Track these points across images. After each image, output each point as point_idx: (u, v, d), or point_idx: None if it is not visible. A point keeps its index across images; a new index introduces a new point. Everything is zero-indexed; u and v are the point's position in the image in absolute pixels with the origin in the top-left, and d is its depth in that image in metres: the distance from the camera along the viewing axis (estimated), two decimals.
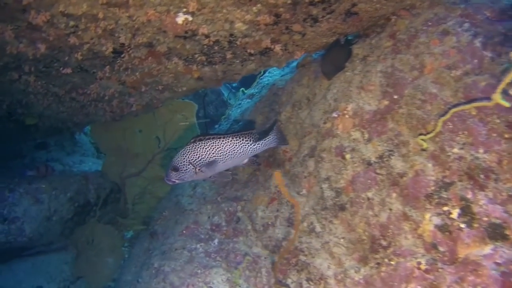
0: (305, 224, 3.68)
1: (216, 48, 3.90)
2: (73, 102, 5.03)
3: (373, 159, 3.37)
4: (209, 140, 3.31)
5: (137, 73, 4.26)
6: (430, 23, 3.52)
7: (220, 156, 3.33)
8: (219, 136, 3.34)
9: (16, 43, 3.65)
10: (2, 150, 6.51)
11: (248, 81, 5.94)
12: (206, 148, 3.32)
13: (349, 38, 4.09)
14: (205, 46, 3.86)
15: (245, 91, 6.06)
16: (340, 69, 3.98)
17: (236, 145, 3.37)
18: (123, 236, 6.08)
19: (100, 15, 3.31)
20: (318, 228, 3.58)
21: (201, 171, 3.36)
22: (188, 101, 5.97)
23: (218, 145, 3.34)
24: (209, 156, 3.31)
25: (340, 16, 3.70)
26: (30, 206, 5.38)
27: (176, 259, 4.06)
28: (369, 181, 3.33)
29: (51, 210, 5.53)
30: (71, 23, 3.44)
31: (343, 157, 3.53)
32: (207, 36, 3.70)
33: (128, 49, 3.85)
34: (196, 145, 3.33)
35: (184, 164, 3.33)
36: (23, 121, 5.54)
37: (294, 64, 5.34)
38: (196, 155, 3.33)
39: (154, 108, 5.17)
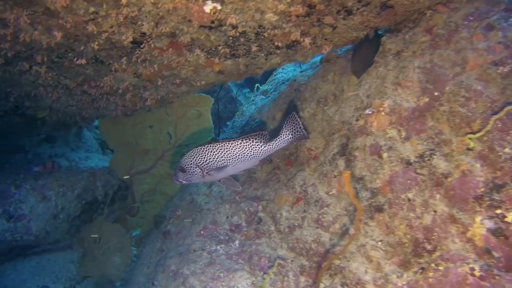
0: (336, 225, 3.43)
1: (242, 40, 3.64)
2: (84, 95, 4.73)
3: (412, 158, 3.13)
4: (217, 144, 3.17)
5: (155, 65, 3.98)
6: (471, 18, 3.28)
7: (229, 160, 3.19)
8: (228, 140, 3.18)
9: (31, 30, 3.35)
10: (6, 145, 6.18)
11: (252, 79, 5.65)
12: (214, 152, 3.19)
13: (379, 32, 3.84)
14: (230, 38, 3.59)
15: (260, 87, 5.78)
16: (369, 66, 3.73)
17: (246, 148, 3.20)
18: (131, 235, 5.77)
19: (124, 1, 3.03)
20: (352, 230, 3.33)
21: (209, 174, 3.27)
22: (203, 95, 5.63)
23: (227, 149, 3.18)
24: (218, 160, 3.17)
25: (375, 9, 3.45)
26: (37, 203, 5.08)
27: (195, 261, 3.79)
28: (409, 181, 3.08)
29: (58, 208, 5.22)
30: (91, 9, 3.16)
31: (380, 156, 3.28)
32: (234, 27, 3.43)
33: (149, 39, 3.57)
34: (204, 149, 3.21)
35: (191, 167, 3.24)
36: (30, 114, 5.21)
37: (314, 59, 5.08)
38: (204, 158, 3.22)
39: (168, 103, 4.88)
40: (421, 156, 3.09)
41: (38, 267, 5.40)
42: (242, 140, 3.19)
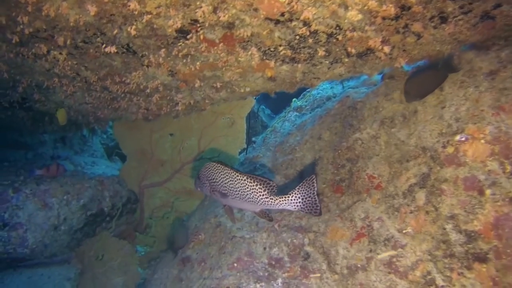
0: (417, 273, 2.60)
1: (310, 41, 2.88)
2: (104, 93, 3.88)
3: None
4: (226, 169, 2.87)
5: (197, 63, 3.17)
6: None
7: (230, 191, 2.84)
8: (235, 170, 2.82)
9: (59, 1, 2.52)
10: (5, 141, 5.26)
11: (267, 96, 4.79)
12: (220, 176, 2.90)
13: (447, 60, 3.13)
14: (297, 37, 2.83)
15: (297, 101, 4.97)
16: (427, 93, 3.14)
17: (247, 188, 2.75)
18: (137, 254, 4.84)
19: None
20: (439, 281, 2.54)
21: (214, 194, 2.99)
22: (241, 100, 4.55)
23: (230, 178, 2.84)
24: (221, 185, 2.89)
25: (474, 18, 2.74)
26: (36, 211, 4.17)
27: None
28: None
29: (60, 218, 4.32)
30: None
31: (480, 193, 2.49)
32: (306, 24, 2.68)
33: (200, 29, 2.79)
34: (215, 167, 2.94)
35: (203, 178, 3.04)
36: (38, 109, 4.33)
37: (364, 77, 4.32)
38: (213, 176, 2.96)
39: (200, 110, 4.04)
40: None
41: (29, 283, 4.44)
42: (247, 178, 2.76)
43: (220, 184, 2.88)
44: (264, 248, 3.35)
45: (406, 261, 2.68)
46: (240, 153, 4.74)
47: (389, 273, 2.72)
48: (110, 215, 4.86)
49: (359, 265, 2.87)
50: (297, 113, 4.86)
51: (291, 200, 2.65)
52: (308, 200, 2.62)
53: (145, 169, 5.06)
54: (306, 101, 4.98)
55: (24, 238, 4.05)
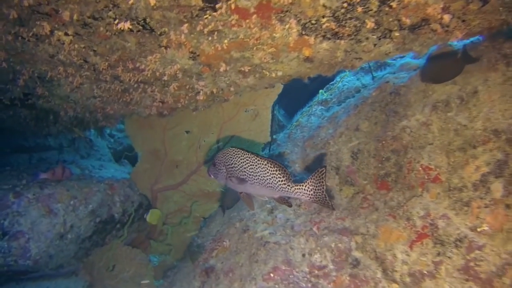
0: (506, 280, 2.08)
1: (358, 9, 2.41)
2: (114, 83, 3.38)
3: None
4: (246, 153, 2.75)
5: (225, 41, 2.68)
6: None
7: (250, 174, 2.72)
8: (256, 155, 2.72)
9: None
10: (8, 145, 4.74)
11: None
12: (240, 160, 2.78)
13: (465, 51, 2.74)
14: (344, 5, 2.33)
15: (323, 94, 4.45)
16: (442, 82, 2.96)
17: (268, 173, 2.65)
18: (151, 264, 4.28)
19: None
20: None
21: (231, 180, 2.85)
22: (266, 89, 3.98)
23: (251, 162, 2.72)
24: (240, 169, 2.77)
25: None
26: (40, 218, 3.65)
27: None
28: None
29: (67, 226, 3.78)
30: None
31: None
32: None
33: None
34: (235, 152, 2.82)
35: (220, 163, 2.90)
36: (41, 107, 3.81)
37: (402, 61, 3.83)
38: (231, 161, 2.83)
39: (223, 101, 3.52)
40: None
41: None
42: (268, 162, 2.65)
43: (239, 169, 2.77)
44: (303, 255, 2.83)
45: (488, 266, 2.16)
46: (263, 149, 4.20)
47: (467, 280, 2.19)
48: (121, 222, 4.32)
49: (425, 272, 2.35)
50: (323, 107, 4.35)
51: (305, 190, 2.54)
52: (319, 193, 2.51)
53: (158, 171, 4.53)
54: (331, 94, 4.47)
55: (26, 248, 3.51)
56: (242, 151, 2.76)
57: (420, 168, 2.73)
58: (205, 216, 4.46)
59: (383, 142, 3.09)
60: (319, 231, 2.95)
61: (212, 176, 3.00)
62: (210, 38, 2.66)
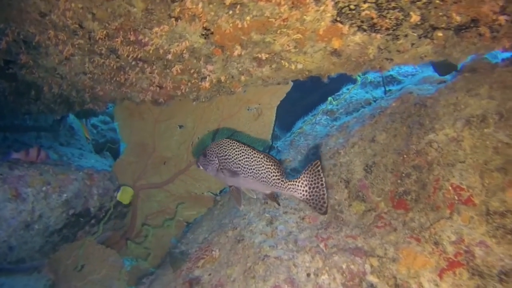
0: None
1: None
2: (110, 58, 2.94)
3: None
4: (242, 145, 2.62)
5: (247, 18, 2.28)
6: None
7: (244, 167, 2.59)
8: (252, 148, 2.59)
9: None
10: None
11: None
12: (235, 151, 2.64)
13: None
14: None
15: (333, 101, 4.07)
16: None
17: (263, 166, 2.52)
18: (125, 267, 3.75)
19: None
20: None
21: (222, 172, 2.72)
22: (274, 86, 3.46)
23: (246, 155, 2.59)
24: (234, 161, 2.63)
25: None
26: (4, 201, 3.12)
27: None
28: None
29: (35, 214, 3.27)
30: None
31: None
32: None
33: None
34: (229, 143, 2.68)
35: (212, 154, 2.77)
36: (24, 79, 3.32)
37: (423, 74, 3.51)
38: (225, 152, 2.70)
39: (229, 93, 3.10)
40: None
41: None
42: (264, 156, 2.52)
43: (233, 161, 2.63)
44: (308, 274, 2.39)
45: None
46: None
47: None
48: (96, 217, 3.80)
49: None
50: (328, 117, 3.98)
51: (298, 186, 2.40)
52: (315, 191, 2.36)
53: (144, 166, 4.05)
54: (337, 105, 4.10)
55: None
56: (238, 143, 2.63)
57: (450, 188, 2.36)
58: (189, 221, 3.99)
59: (404, 156, 2.71)
60: (327, 248, 2.53)
61: (201, 167, 2.84)
62: (230, 12, 2.26)
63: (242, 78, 2.81)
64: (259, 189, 2.64)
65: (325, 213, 2.34)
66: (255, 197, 2.99)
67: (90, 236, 3.74)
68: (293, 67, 2.65)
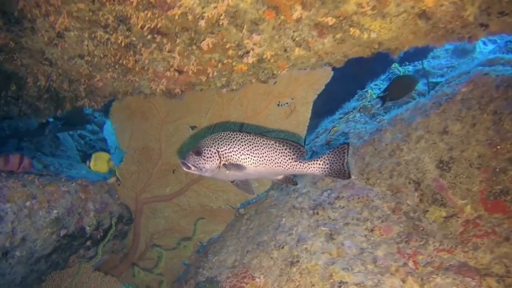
0: None
1: None
2: (118, 31, 2.22)
3: None
4: (247, 135, 2.32)
5: None
6: None
7: (254, 158, 2.30)
8: (259, 135, 2.33)
9: None
10: None
11: None
12: (242, 143, 2.30)
13: None
14: None
15: (364, 101, 3.42)
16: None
17: (275, 152, 2.30)
18: None
19: None
20: None
21: (226, 168, 2.31)
22: (310, 76, 2.80)
23: (255, 144, 2.30)
24: (242, 154, 2.30)
25: None
26: None
27: None
28: None
29: (16, 237, 2.42)
30: None
31: None
32: None
33: None
34: (233, 135, 2.33)
35: (210, 150, 2.30)
36: (4, 68, 2.51)
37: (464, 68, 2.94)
38: (228, 146, 2.31)
39: (269, 77, 2.39)
40: None
41: None
42: (275, 142, 2.30)
43: (239, 153, 2.31)
44: None
45: None
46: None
47: None
48: (92, 238, 2.97)
49: None
50: (363, 114, 3.34)
51: (319, 164, 2.32)
52: (336, 166, 2.30)
53: (148, 176, 3.26)
54: (369, 102, 3.49)
55: None
56: (240, 134, 2.34)
57: None
58: (203, 241, 3.22)
59: (498, 147, 2.09)
60: (419, 267, 1.85)
61: (193, 168, 2.33)
62: None
63: (296, 52, 2.11)
64: (271, 176, 2.48)
65: (349, 177, 2.28)
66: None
67: (85, 262, 2.90)
68: (365, 35, 1.97)
